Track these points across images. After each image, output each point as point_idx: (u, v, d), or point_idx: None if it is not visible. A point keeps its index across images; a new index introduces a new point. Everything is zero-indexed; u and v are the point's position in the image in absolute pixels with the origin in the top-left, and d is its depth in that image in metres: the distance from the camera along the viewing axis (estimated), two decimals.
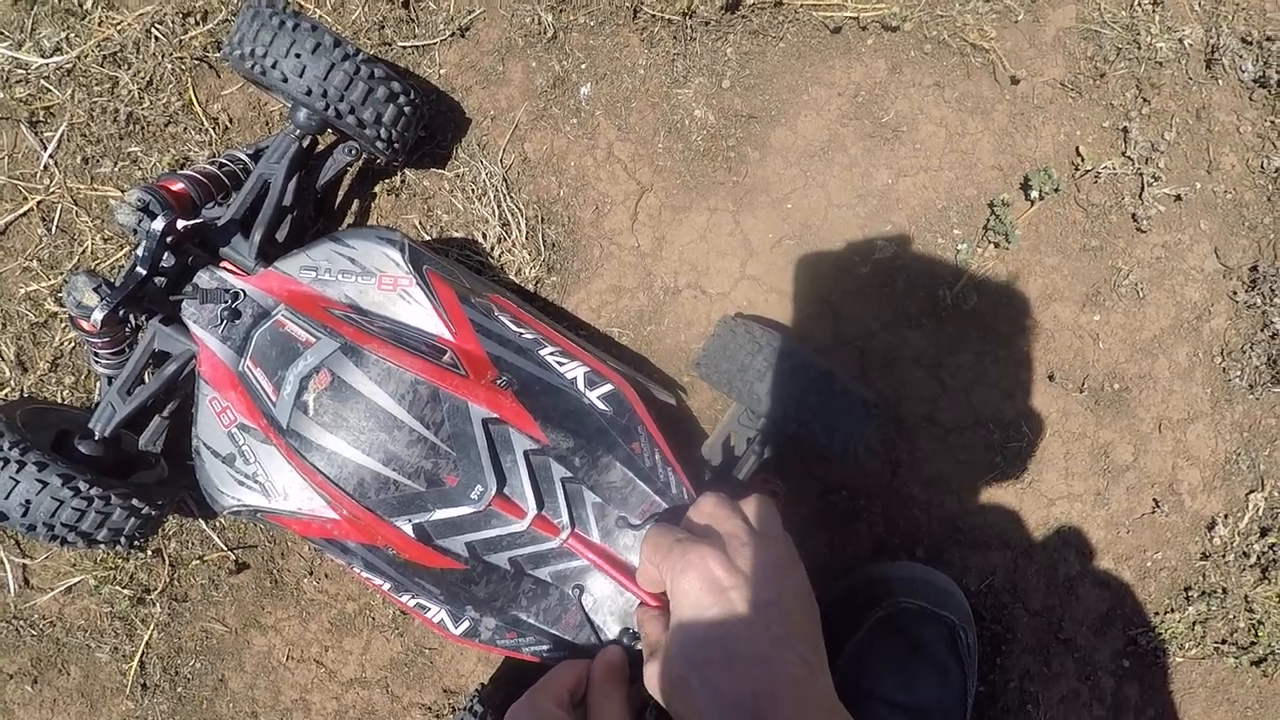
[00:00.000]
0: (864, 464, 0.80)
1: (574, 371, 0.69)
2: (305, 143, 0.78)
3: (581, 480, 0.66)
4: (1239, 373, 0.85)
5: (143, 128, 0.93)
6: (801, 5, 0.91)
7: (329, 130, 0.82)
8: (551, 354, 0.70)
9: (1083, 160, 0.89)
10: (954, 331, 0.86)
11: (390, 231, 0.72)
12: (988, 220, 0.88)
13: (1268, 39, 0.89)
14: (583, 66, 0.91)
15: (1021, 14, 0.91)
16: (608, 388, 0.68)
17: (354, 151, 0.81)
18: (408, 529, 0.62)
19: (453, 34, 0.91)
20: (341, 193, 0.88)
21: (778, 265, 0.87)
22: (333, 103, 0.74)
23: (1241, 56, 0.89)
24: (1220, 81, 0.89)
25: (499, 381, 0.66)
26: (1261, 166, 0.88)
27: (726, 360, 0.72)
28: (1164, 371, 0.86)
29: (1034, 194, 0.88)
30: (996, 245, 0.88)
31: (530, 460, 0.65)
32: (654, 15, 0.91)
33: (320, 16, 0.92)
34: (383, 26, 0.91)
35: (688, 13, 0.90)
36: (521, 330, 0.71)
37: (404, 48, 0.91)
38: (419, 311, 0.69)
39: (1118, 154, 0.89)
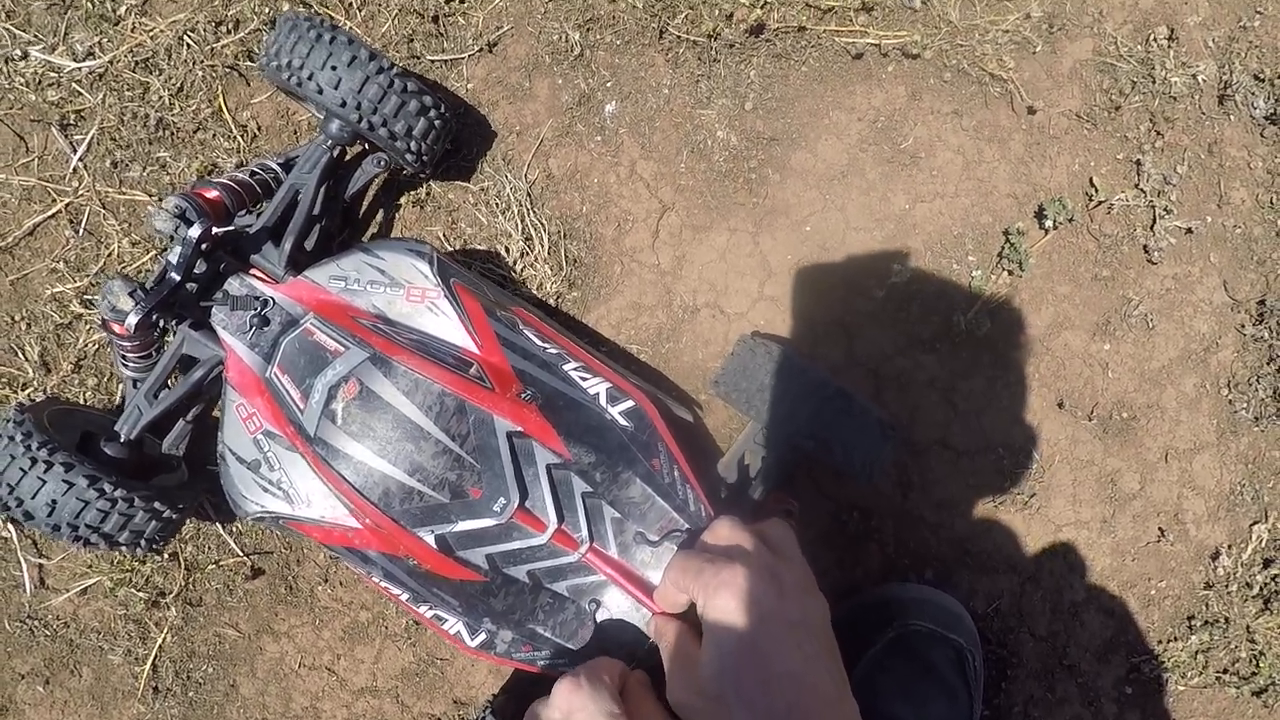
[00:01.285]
0: (878, 484, 0.81)
1: (597, 387, 0.69)
2: (336, 153, 0.79)
3: (601, 495, 0.66)
4: (1245, 405, 0.86)
5: (172, 134, 0.93)
6: (824, 31, 0.92)
7: (358, 141, 0.82)
8: (575, 369, 0.70)
9: (1096, 191, 0.90)
10: (967, 356, 0.87)
11: (420, 244, 0.73)
12: (1002, 248, 0.89)
13: (1278, 77, 0.90)
14: (608, 85, 0.92)
15: (1040, 45, 0.92)
16: (629, 404, 0.69)
17: (383, 163, 0.82)
18: (430, 540, 0.62)
19: (481, 49, 0.92)
20: (367, 203, 0.89)
21: (795, 286, 0.87)
22: (366, 115, 0.74)
23: (1254, 93, 0.90)
24: (1232, 117, 0.90)
25: (524, 395, 0.67)
26: (1271, 202, 0.89)
27: (745, 378, 0.73)
28: (1171, 402, 0.87)
29: (1048, 223, 0.89)
30: (1010, 273, 0.88)
31: (552, 474, 0.65)
32: (679, 36, 0.92)
33: (351, 29, 0.92)
34: (411, 40, 0.92)
35: (713, 35, 0.91)
36: (546, 345, 0.71)
37: (432, 61, 0.92)
38: (446, 324, 0.69)
39: (1131, 186, 0.90)
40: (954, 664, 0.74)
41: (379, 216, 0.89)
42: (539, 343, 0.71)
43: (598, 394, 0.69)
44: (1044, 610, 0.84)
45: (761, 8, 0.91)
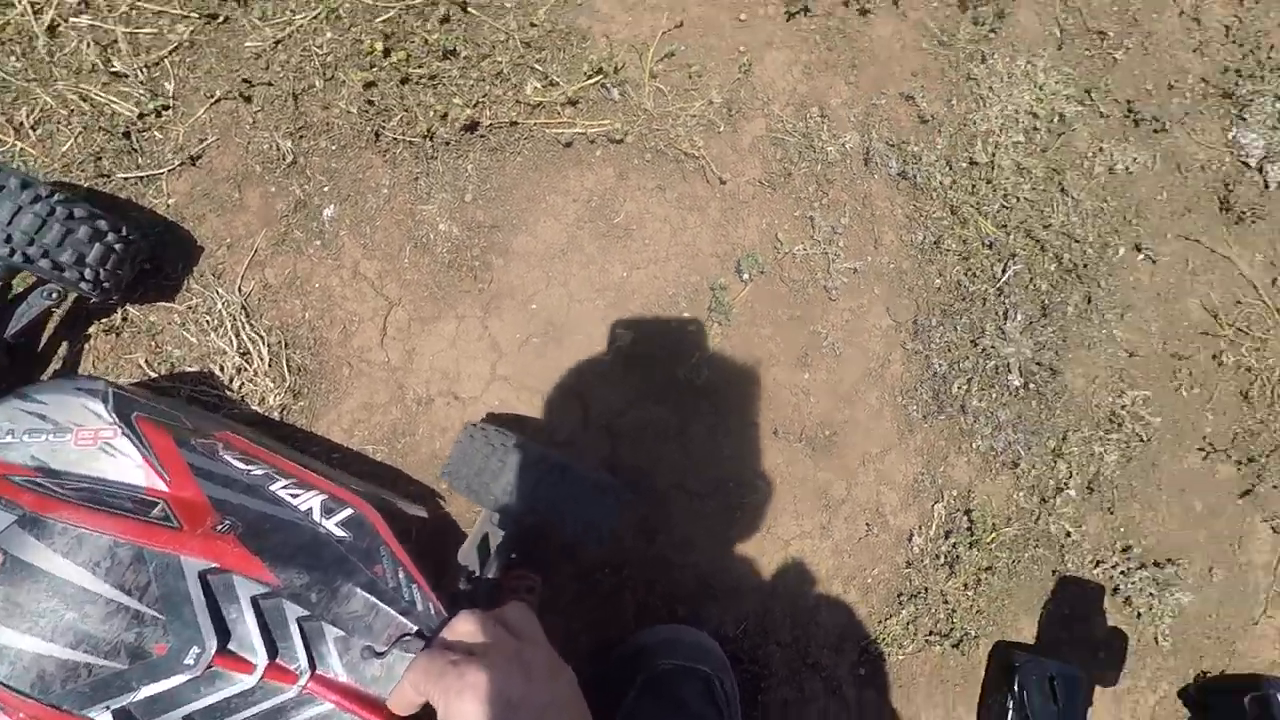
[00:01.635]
0: (621, 539, 0.87)
1: (309, 501, 0.69)
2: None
3: (320, 616, 0.64)
4: (915, 407, 1.03)
5: None
6: (535, 124, 1.00)
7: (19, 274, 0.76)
8: (284, 487, 0.69)
9: (781, 244, 1.04)
10: (691, 404, 0.97)
11: (91, 380, 0.68)
12: (710, 302, 1.00)
13: (903, 143, 1.11)
14: (325, 189, 0.93)
15: (722, 126, 1.06)
16: (347, 512, 0.69)
17: (54, 295, 0.76)
18: (105, 718, 0.57)
19: (183, 163, 0.89)
20: (47, 338, 0.82)
21: (527, 363, 0.93)
22: (20, 248, 0.69)
23: (888, 156, 1.10)
24: (876, 176, 1.10)
25: (219, 527, 0.64)
26: (912, 241, 1.09)
27: (466, 465, 0.76)
28: (862, 414, 1.02)
29: (745, 276, 1.02)
30: (719, 323, 1.00)
31: (259, 605, 0.63)
32: (396, 138, 0.95)
33: (24, 150, 0.86)
34: (99, 158, 0.87)
35: (428, 134, 0.95)
36: (250, 467, 0.69)
37: (125, 179, 0.88)
38: (125, 464, 0.65)
39: (808, 237, 1.06)
40: (703, 693, 0.80)
41: (61, 350, 0.82)
42: (242, 466, 0.69)
43: (310, 509, 0.68)
44: (785, 621, 0.94)
45: (473, 107, 0.97)
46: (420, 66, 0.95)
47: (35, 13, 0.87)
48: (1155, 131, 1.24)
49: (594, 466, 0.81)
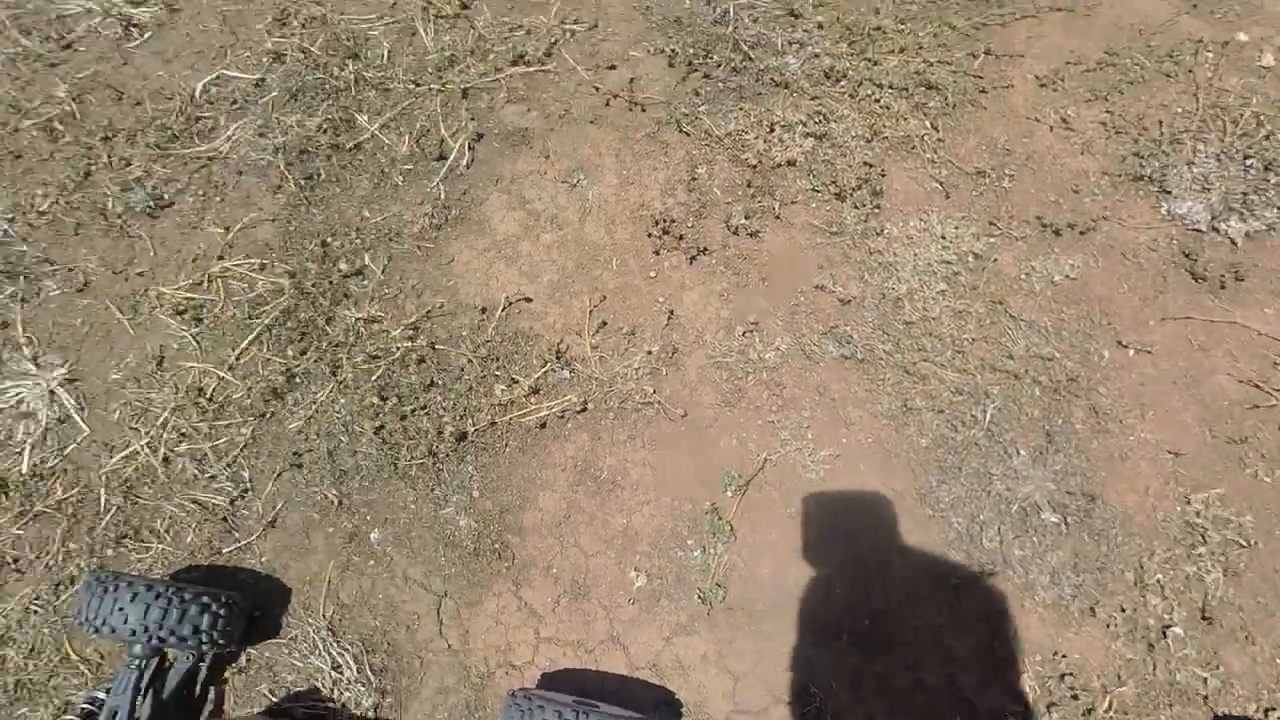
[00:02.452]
0: None
1: None
2: (148, 665, 1.01)
3: None
4: (952, 574, 1.11)
5: (28, 690, 1.14)
6: (510, 418, 1.25)
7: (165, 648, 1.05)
8: None
9: (754, 453, 1.20)
10: (725, 625, 1.14)
11: None
12: (709, 524, 1.17)
13: (833, 328, 1.25)
14: (368, 518, 1.21)
15: (665, 369, 1.28)
16: None
17: (191, 657, 1.05)
18: None
19: (265, 528, 1.20)
20: (199, 687, 1.11)
21: (563, 621, 1.14)
22: (154, 634, 0.99)
23: (824, 344, 1.25)
24: (820, 364, 1.26)
25: None
26: (879, 411, 1.21)
27: None
28: (898, 594, 1.11)
29: (729, 492, 1.17)
30: (724, 542, 1.17)
31: None
32: (409, 462, 1.22)
33: (163, 549, 1.19)
34: (211, 541, 1.19)
35: (431, 453, 1.22)
36: None
37: (229, 552, 1.19)
38: None
39: (777, 441, 1.20)
40: None
41: (211, 695, 1.11)
42: None
43: None
44: None
45: (459, 420, 1.23)
46: (411, 403, 1.25)
47: (152, 450, 1.23)
48: (1081, 234, 1.32)
49: (636, 705, 0.96)
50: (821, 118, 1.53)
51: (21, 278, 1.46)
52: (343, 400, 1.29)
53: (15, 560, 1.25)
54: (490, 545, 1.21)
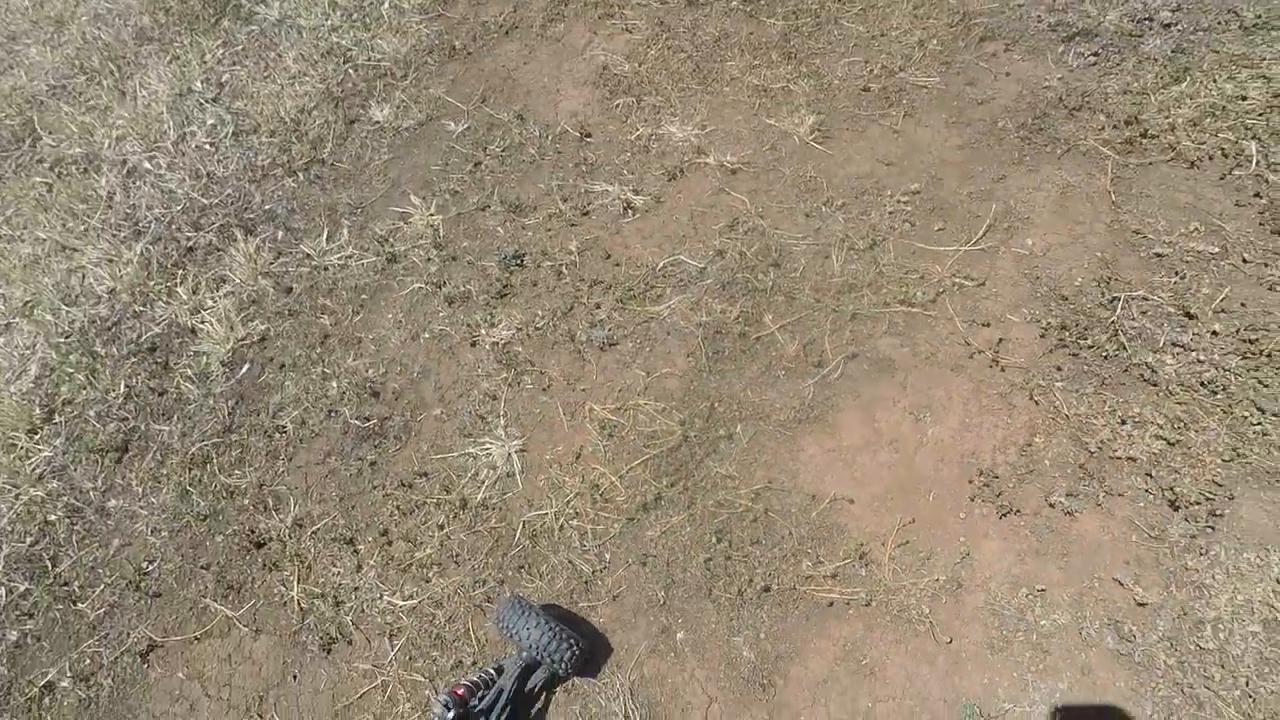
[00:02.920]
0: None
1: None
2: (527, 667, 2.04)
3: None
4: None
5: (443, 643, 2.28)
6: (807, 589, 2.06)
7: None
8: None
9: (1000, 699, 1.80)
10: None
11: None
12: None
13: (1118, 622, 1.80)
14: (680, 620, 2.13)
15: (946, 598, 1.97)
16: None
17: (548, 670, 2.05)
18: None
19: (609, 599, 2.21)
20: (538, 689, 2.10)
21: None
22: (538, 649, 2.00)
23: (1103, 633, 1.81)
24: (1093, 650, 1.80)
25: None
26: (1141, 715, 1.71)
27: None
28: None
29: None
30: None
31: None
32: (723, 592, 2.11)
33: (539, 584, 2.27)
34: (573, 593, 2.23)
35: (740, 593, 2.09)
36: None
37: (582, 606, 2.21)
38: None
39: (1027, 700, 1.79)
40: None
41: (540, 701, 2.09)
42: None
43: None
44: None
45: (769, 577, 2.09)
46: (738, 550, 2.17)
47: (555, 517, 2.36)
48: None
49: None
50: (1182, 425, 2.07)
51: (512, 369, 2.83)
52: (689, 529, 2.26)
53: (456, 555, 2.47)
54: (760, 678, 2.00)
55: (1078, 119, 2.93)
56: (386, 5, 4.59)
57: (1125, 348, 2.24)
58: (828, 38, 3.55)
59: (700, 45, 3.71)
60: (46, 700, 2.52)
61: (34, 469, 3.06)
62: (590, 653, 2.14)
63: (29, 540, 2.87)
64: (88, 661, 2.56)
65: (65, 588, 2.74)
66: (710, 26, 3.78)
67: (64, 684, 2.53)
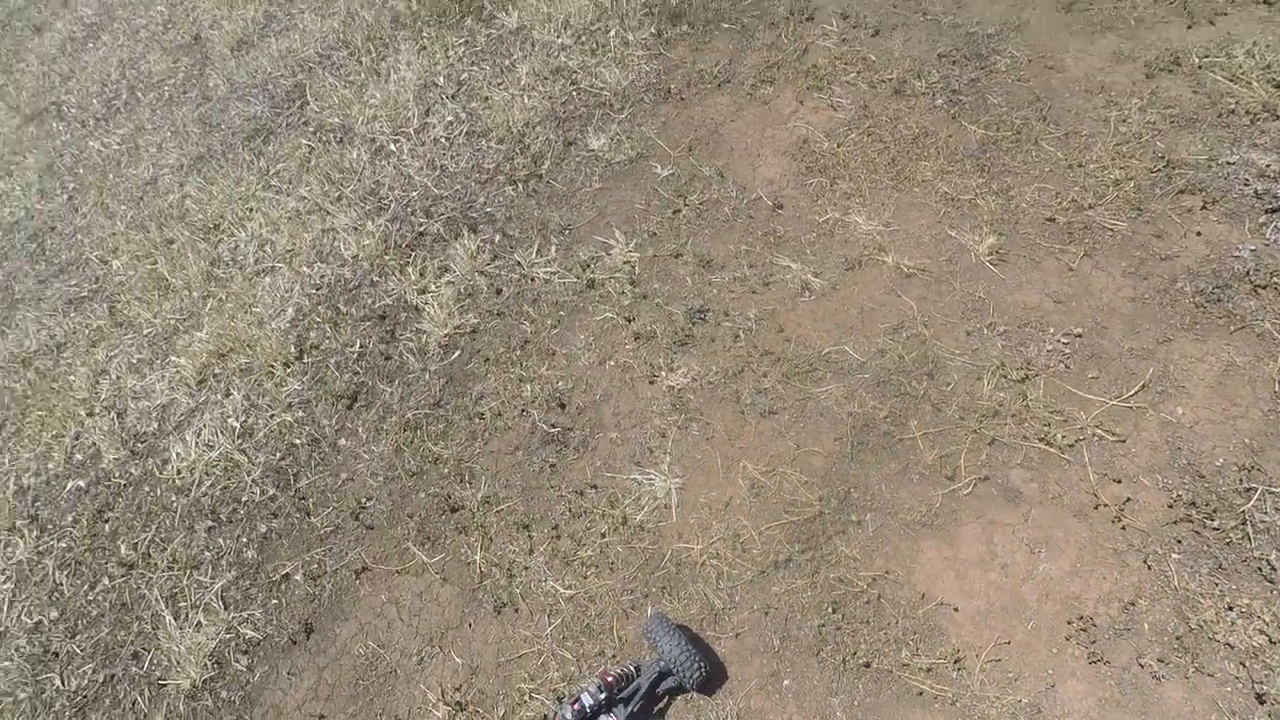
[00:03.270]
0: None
1: None
2: (662, 673, 2.47)
3: None
4: None
5: (592, 630, 2.75)
6: (903, 677, 2.39)
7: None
8: None
9: None
10: None
11: None
12: None
13: None
14: (789, 670, 2.50)
15: (1024, 719, 2.25)
16: None
17: (676, 680, 2.49)
18: None
19: (732, 636, 2.60)
20: (663, 690, 2.54)
21: None
22: (671, 660, 2.44)
23: None
24: None
25: None
26: None
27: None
28: None
29: None
30: None
31: None
32: (829, 667, 2.48)
33: (677, 605, 2.69)
34: (703, 621, 2.65)
35: (843, 662, 2.45)
36: None
37: (708, 634, 2.62)
38: None
39: None
40: None
41: (663, 702, 2.52)
42: None
43: None
44: None
45: (871, 654, 2.44)
46: (848, 623, 2.51)
47: (700, 551, 2.78)
48: None
49: None
50: None
51: (682, 413, 3.24)
52: (809, 594, 2.62)
53: (612, 562, 2.92)
54: None
55: (1260, 297, 3.03)
56: (613, 34, 5.02)
57: (1250, 540, 2.42)
58: (1025, 157, 3.72)
59: (899, 139, 3.96)
60: (284, 586, 3.17)
61: (286, 397, 3.73)
62: (711, 675, 2.55)
63: (278, 455, 3.53)
64: (315, 565, 3.19)
65: (303, 501, 3.38)
66: (912, 121, 4.01)
67: (297, 578, 3.17)
